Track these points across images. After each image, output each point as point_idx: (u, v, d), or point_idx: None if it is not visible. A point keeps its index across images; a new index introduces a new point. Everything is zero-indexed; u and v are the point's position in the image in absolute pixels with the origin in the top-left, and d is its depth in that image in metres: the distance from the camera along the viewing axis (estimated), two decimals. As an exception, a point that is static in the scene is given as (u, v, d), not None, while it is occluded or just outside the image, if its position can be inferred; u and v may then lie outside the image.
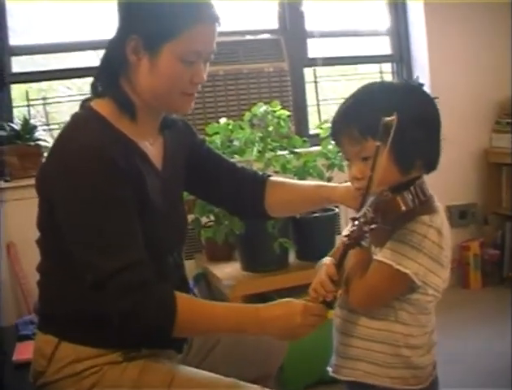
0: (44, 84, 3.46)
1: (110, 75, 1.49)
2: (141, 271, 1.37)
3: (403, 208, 1.26)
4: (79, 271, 1.39)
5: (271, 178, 1.80)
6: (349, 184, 1.64)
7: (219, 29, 1.48)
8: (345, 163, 1.48)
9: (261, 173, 1.82)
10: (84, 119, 1.47)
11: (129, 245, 1.38)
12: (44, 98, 3.41)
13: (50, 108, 3.39)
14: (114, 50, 1.47)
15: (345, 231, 1.54)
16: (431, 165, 1.41)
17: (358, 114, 1.36)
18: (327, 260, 1.48)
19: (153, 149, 1.55)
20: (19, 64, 3.28)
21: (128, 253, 1.37)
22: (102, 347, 1.45)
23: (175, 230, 1.61)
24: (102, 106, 1.48)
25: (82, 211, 1.37)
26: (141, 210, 1.43)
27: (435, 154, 1.41)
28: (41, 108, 3.40)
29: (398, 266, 1.32)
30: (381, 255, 1.35)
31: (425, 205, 1.32)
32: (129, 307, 1.35)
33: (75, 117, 1.49)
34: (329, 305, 1.42)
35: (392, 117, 1.25)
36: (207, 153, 1.78)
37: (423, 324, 1.43)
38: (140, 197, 1.43)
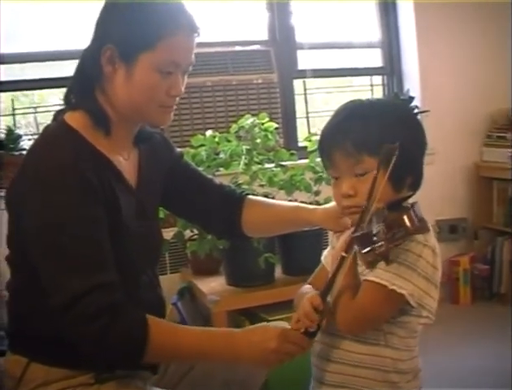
0: (36, 94, 3.42)
1: (85, 87, 1.44)
2: (111, 293, 1.32)
3: (410, 227, 1.23)
4: (47, 291, 1.34)
5: (249, 197, 1.75)
6: (328, 205, 1.60)
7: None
8: (331, 182, 1.42)
9: (239, 191, 1.77)
10: (56, 133, 1.42)
11: (100, 266, 1.33)
12: (35, 107, 3.36)
13: (41, 118, 3.33)
14: (89, 60, 1.43)
15: (332, 250, 1.49)
16: (417, 184, 1.39)
17: (353, 129, 1.32)
18: (307, 289, 1.44)
19: (127, 164, 1.51)
20: (8, 72, 3.22)
21: (98, 274, 1.31)
22: (73, 368, 1.40)
23: (148, 249, 1.56)
24: (76, 119, 1.43)
25: (53, 229, 1.32)
26: (113, 229, 1.38)
27: (422, 173, 1.40)
28: (32, 118, 3.35)
29: (393, 287, 1.26)
30: (373, 275, 1.28)
31: (420, 225, 1.27)
32: (98, 330, 1.28)
33: (46, 131, 1.45)
34: (312, 335, 1.35)
35: (395, 144, 1.23)
36: (184, 169, 1.73)
37: (411, 348, 1.38)
38: (112, 216, 1.39)
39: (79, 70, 1.47)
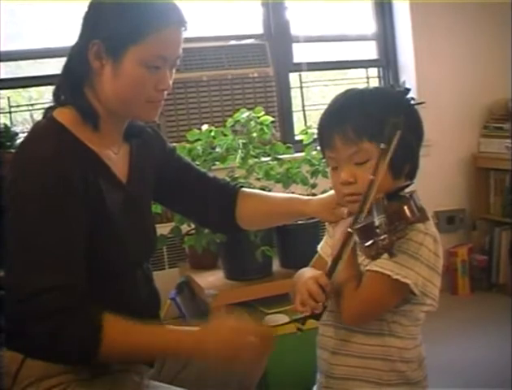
0: (32, 91, 3.41)
1: (73, 83, 1.44)
2: (71, 295, 1.30)
3: (410, 217, 1.23)
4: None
5: (244, 189, 1.75)
6: (323, 196, 1.60)
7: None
8: (329, 170, 1.43)
9: (233, 184, 1.77)
10: (44, 129, 1.42)
11: (63, 267, 1.32)
12: (31, 104, 3.36)
13: (38, 115, 3.32)
14: (77, 56, 1.43)
15: (331, 240, 1.48)
16: (414, 172, 1.41)
17: (353, 115, 1.33)
18: (307, 271, 1.43)
19: (117, 159, 1.51)
20: (4, 70, 3.21)
21: (61, 274, 1.31)
22: None
23: (141, 243, 1.55)
24: (64, 115, 1.43)
25: (23, 224, 1.32)
26: (98, 224, 1.38)
27: (418, 161, 1.41)
28: (29, 115, 3.35)
29: (397, 276, 1.27)
30: (376, 265, 1.29)
31: (420, 215, 1.28)
32: (50, 329, 1.28)
33: (35, 127, 1.45)
34: (317, 317, 1.32)
35: (400, 117, 1.24)
36: (178, 163, 1.73)
37: (415, 336, 1.39)
38: (96, 211, 1.38)
39: (67, 66, 1.47)
